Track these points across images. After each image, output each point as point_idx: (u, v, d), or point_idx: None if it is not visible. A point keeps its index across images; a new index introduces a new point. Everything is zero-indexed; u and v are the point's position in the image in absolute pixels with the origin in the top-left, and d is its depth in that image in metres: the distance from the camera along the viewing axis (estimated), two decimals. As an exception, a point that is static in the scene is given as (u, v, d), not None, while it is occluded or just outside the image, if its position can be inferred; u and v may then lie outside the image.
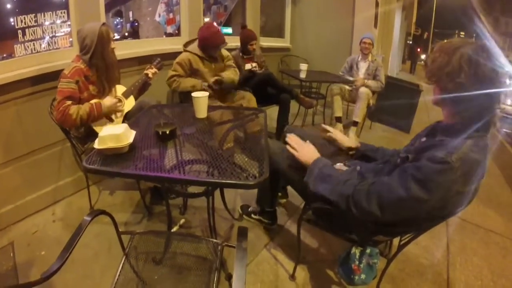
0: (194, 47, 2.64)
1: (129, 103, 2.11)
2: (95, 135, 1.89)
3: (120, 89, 2.10)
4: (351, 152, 1.67)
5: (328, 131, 1.72)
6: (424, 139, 1.23)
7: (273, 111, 3.29)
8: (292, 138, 1.50)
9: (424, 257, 1.91)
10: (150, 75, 2.15)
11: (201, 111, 1.76)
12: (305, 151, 1.43)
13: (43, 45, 2.13)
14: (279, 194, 2.12)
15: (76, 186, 2.37)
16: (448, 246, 2.03)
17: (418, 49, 20.96)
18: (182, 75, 2.55)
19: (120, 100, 2.03)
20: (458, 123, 1.08)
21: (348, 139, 1.70)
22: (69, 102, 1.78)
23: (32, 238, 1.91)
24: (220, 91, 2.73)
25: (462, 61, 0.98)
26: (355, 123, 3.60)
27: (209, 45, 2.56)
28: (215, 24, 3.81)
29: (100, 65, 1.91)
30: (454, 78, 1.00)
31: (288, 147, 1.48)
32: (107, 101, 1.94)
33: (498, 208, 2.55)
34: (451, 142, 1.03)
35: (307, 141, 1.49)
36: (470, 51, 0.98)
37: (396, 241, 1.42)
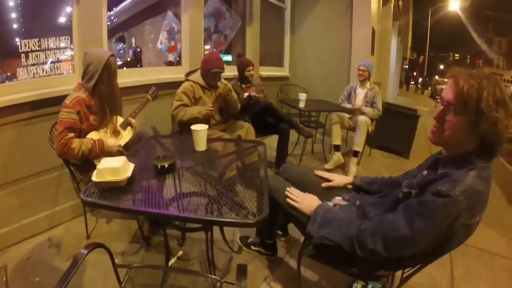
0: (196, 76, 2.69)
1: (126, 135, 2.11)
2: (93, 164, 1.89)
3: (118, 120, 2.10)
4: (348, 186, 1.68)
5: (323, 178, 1.72)
6: (425, 172, 1.21)
7: (272, 140, 3.28)
8: (291, 191, 1.51)
9: (428, 284, 1.85)
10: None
11: (201, 144, 1.76)
12: (307, 201, 1.45)
13: (45, 70, 2.16)
14: (280, 232, 2.09)
15: (74, 212, 2.34)
16: (452, 272, 1.97)
17: (415, 73, 21.44)
18: (187, 104, 2.57)
19: (120, 145, 2.01)
20: (460, 154, 1.06)
21: (344, 178, 1.71)
22: (71, 135, 1.78)
23: (26, 263, 1.87)
24: (222, 118, 2.76)
25: (491, 100, 0.96)
26: (355, 153, 3.55)
27: (209, 68, 2.58)
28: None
29: (103, 93, 1.89)
30: (483, 115, 0.96)
31: (288, 200, 1.49)
32: (110, 141, 1.94)
33: (501, 229, 2.50)
34: (454, 175, 1.02)
35: (307, 193, 1.51)
36: (497, 91, 0.96)
37: (399, 272, 1.38)
